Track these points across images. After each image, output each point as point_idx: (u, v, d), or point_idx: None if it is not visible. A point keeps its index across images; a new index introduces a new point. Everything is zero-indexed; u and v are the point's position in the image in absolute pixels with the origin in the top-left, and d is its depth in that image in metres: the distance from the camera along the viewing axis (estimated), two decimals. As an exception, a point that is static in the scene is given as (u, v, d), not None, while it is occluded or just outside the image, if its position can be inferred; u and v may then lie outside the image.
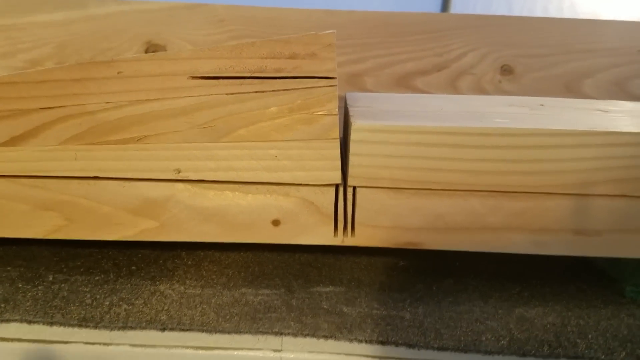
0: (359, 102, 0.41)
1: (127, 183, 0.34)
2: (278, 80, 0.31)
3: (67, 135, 0.33)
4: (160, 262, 0.40)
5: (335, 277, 0.39)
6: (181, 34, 0.65)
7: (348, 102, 0.41)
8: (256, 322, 0.32)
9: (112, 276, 0.37)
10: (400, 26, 0.65)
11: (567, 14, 1.04)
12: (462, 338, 0.32)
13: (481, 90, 0.65)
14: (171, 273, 0.38)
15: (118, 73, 0.32)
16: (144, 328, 0.32)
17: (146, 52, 0.66)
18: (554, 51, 0.67)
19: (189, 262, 0.40)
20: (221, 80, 0.31)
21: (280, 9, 0.66)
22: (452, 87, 0.65)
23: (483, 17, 0.66)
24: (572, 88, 0.67)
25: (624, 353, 0.31)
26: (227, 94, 0.32)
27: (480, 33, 0.66)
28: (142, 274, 0.38)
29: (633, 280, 0.38)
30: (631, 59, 0.67)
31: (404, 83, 0.65)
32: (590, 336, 0.32)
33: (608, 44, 0.67)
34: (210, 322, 0.32)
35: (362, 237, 0.34)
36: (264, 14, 0.65)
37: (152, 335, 0.32)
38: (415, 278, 0.39)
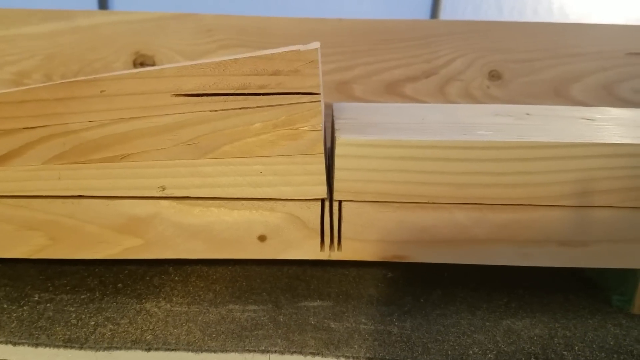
0: (345, 113, 0.41)
1: (111, 201, 0.34)
2: (262, 96, 0.31)
3: (50, 154, 0.33)
4: (147, 278, 0.40)
5: (324, 290, 0.39)
6: (169, 44, 0.65)
7: (335, 113, 0.41)
8: (243, 340, 0.32)
9: (97, 294, 0.37)
10: (389, 33, 0.65)
11: (557, 16, 1.04)
12: (449, 352, 0.32)
13: (470, 96, 0.65)
14: (158, 290, 0.38)
15: (101, 92, 0.32)
16: (129, 348, 0.32)
17: (134, 62, 0.65)
18: (542, 55, 0.67)
19: (176, 278, 0.40)
20: (205, 98, 0.31)
21: (269, 18, 0.65)
22: (441, 93, 0.65)
23: (471, 23, 0.66)
24: (560, 92, 0.67)
25: (611, 364, 0.31)
26: (211, 111, 0.32)
27: (468, 39, 0.66)
28: (128, 292, 0.38)
29: (620, 289, 0.38)
30: (619, 62, 0.68)
31: (393, 90, 0.65)
32: (577, 348, 0.33)
33: (596, 47, 0.68)
34: (196, 341, 0.32)
35: (349, 251, 0.34)
36: (253, 23, 0.65)
37: (137, 356, 0.31)
38: (403, 290, 0.39)
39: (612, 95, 0.68)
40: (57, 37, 0.66)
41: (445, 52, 0.66)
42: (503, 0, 1.04)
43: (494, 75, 0.66)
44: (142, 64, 0.65)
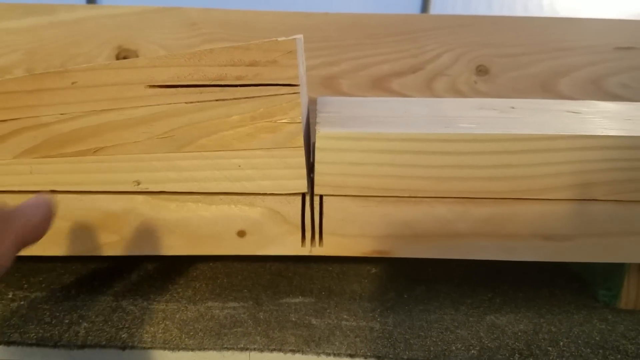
0: (328, 107, 0.40)
1: (85, 196, 0.33)
2: (239, 88, 0.30)
3: (22, 148, 0.32)
4: (124, 275, 0.39)
5: (306, 287, 0.38)
6: (153, 38, 0.64)
7: (318, 107, 0.40)
8: (221, 337, 0.32)
9: (73, 292, 0.36)
10: (376, 28, 0.65)
11: (547, 12, 1.04)
12: (431, 348, 0.31)
13: (457, 92, 0.65)
14: (135, 287, 0.37)
15: (72, 83, 0.31)
16: (104, 347, 0.31)
17: (117, 56, 0.64)
18: (529, 50, 0.66)
19: (154, 275, 0.39)
20: (180, 89, 0.30)
21: (254, 12, 0.65)
22: (428, 88, 0.65)
23: (458, 18, 0.66)
24: (548, 87, 0.66)
25: (595, 360, 0.31)
26: (186, 103, 0.31)
27: (455, 33, 0.65)
28: (105, 289, 0.37)
29: (606, 284, 0.37)
30: (607, 56, 0.67)
31: (380, 85, 0.65)
32: (562, 343, 0.32)
33: (584, 42, 0.67)
34: (173, 339, 0.31)
35: (330, 247, 0.34)
36: (238, 17, 0.64)
37: (112, 354, 0.31)
38: (386, 285, 0.39)
39: (601, 90, 0.68)
40: (39, 32, 0.65)
41: (433, 47, 0.65)
42: (493, -4, 1.04)
43: (481, 70, 0.66)
44: (125, 59, 0.64)
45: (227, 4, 0.67)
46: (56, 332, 0.32)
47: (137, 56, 0.64)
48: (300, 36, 0.35)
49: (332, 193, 0.33)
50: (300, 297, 0.37)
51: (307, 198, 0.33)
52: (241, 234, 0.34)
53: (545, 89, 0.66)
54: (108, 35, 0.64)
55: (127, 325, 0.33)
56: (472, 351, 0.31)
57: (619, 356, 0.31)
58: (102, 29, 0.64)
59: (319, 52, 0.64)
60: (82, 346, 0.31)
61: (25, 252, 0.33)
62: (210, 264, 0.40)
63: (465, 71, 0.65)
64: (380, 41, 0.64)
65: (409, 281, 0.39)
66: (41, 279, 0.38)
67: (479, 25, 0.66)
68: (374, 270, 0.41)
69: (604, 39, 0.67)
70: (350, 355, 0.31)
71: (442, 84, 0.65)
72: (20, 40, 0.65)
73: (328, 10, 0.65)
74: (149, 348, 0.31)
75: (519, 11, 1.05)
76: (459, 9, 1.00)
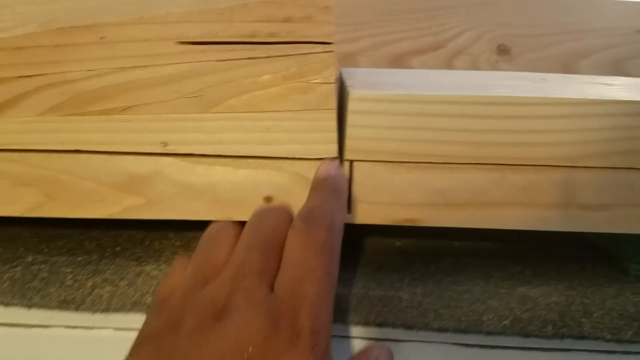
0: (355, 75, 0.39)
1: (110, 157, 0.32)
2: (272, 45, 0.30)
3: (46, 105, 0.31)
4: (147, 242, 0.38)
5: (331, 257, 0.37)
6: (171, 9, 0.63)
7: (344, 76, 0.39)
8: (248, 302, 0.31)
9: (95, 257, 0.35)
10: (396, 4, 0.63)
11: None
12: (462, 318, 0.31)
13: (477, 70, 0.64)
14: (158, 254, 0.36)
15: (101, 38, 0.30)
16: (129, 311, 0.30)
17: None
18: (550, 31, 0.65)
19: (177, 243, 0.38)
20: (211, 46, 0.30)
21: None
22: (448, 67, 0.64)
23: (479, -4, 0.65)
24: (568, 68, 0.65)
25: (630, 332, 0.30)
26: (217, 61, 0.30)
27: (476, 12, 0.64)
28: (127, 255, 0.36)
29: (636, 258, 0.36)
30: (629, 39, 0.66)
31: (399, 63, 0.64)
32: (595, 315, 0.31)
33: (605, 24, 0.66)
34: (200, 302, 0.31)
35: (359, 214, 0.33)
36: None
37: (136, 319, 0.30)
38: (413, 258, 0.38)
39: (621, 72, 0.67)
40: (54, 4, 0.64)
41: (453, 25, 0.64)
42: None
43: (502, 50, 0.65)
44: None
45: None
46: (78, 295, 0.31)
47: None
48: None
49: (363, 158, 0.32)
50: (325, 266, 0.36)
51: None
52: (268, 199, 0.33)
53: (566, 69, 0.65)
54: (125, 8, 0.63)
55: (151, 290, 0.32)
56: (504, 322, 0.30)
57: (655, 329, 0.30)
58: (119, 1, 0.63)
59: (337, 29, 0.63)
60: (106, 310, 0.30)
61: (48, 213, 0.33)
62: (233, 232, 0.40)
63: (486, 50, 0.64)
64: (400, 18, 0.63)
65: (435, 254, 0.38)
66: (61, 244, 0.37)
67: (500, 4, 0.65)
68: (398, 243, 0.40)
69: (626, 21, 0.66)
70: (379, 325, 0.31)
71: (462, 63, 0.64)
72: (34, 11, 0.64)
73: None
74: (175, 311, 0.30)
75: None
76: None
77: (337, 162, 0.31)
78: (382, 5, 0.63)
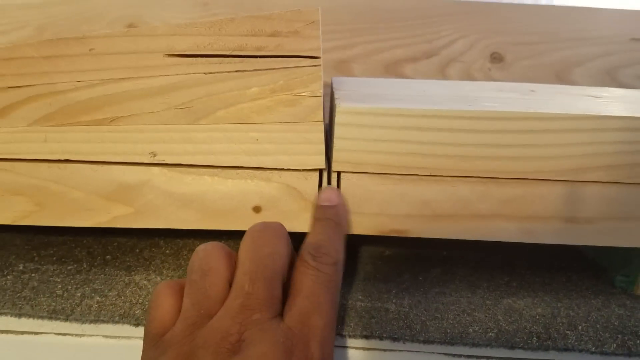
0: (345, 85, 0.39)
1: (99, 167, 0.32)
2: (259, 59, 0.30)
3: (36, 115, 0.31)
4: (137, 250, 0.38)
5: (319, 266, 0.38)
6: (164, 17, 0.63)
7: (334, 85, 0.39)
8: (235, 312, 0.31)
9: (85, 266, 0.36)
10: (389, 12, 0.64)
11: (558, 2, 1.02)
12: (448, 330, 0.31)
13: (470, 78, 0.64)
14: (148, 263, 0.37)
15: (90, 50, 0.30)
16: (117, 322, 0.30)
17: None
18: (544, 39, 0.66)
19: (167, 251, 0.38)
20: (199, 59, 0.30)
21: (266, -7, 0.64)
22: (442, 74, 0.64)
23: (473, 4, 0.65)
24: (562, 76, 0.66)
25: (614, 345, 0.30)
26: (205, 73, 0.30)
27: (470, 20, 0.64)
28: (117, 264, 0.36)
29: (623, 270, 0.37)
30: (622, 47, 0.66)
31: (393, 70, 0.64)
32: (580, 327, 0.31)
33: (599, 32, 0.66)
34: (187, 312, 0.31)
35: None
36: (250, -3, 0.64)
37: (125, 330, 0.30)
38: (401, 267, 0.38)
39: (615, 80, 0.67)
40: (49, 8, 0.64)
41: (447, 33, 0.64)
42: (504, -13, 1.02)
43: (496, 58, 0.65)
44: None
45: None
46: (68, 305, 0.31)
47: (148, 34, 0.63)
48: (319, 7, 0.34)
49: (350, 170, 0.32)
50: (314, 276, 0.36)
51: (325, 175, 0.33)
52: (257, 209, 0.33)
53: (559, 78, 0.65)
54: (118, 13, 0.64)
55: (140, 301, 0.32)
56: (490, 334, 0.31)
57: (638, 341, 0.30)
58: (113, 6, 0.64)
59: (332, 36, 0.64)
60: (95, 320, 0.31)
61: (37, 222, 0.33)
62: (223, 240, 0.40)
63: (479, 58, 0.64)
64: (394, 25, 0.64)
65: (423, 264, 0.39)
66: (52, 252, 0.37)
67: (494, 12, 0.65)
68: (387, 253, 0.41)
69: (620, 29, 0.67)
70: (366, 337, 0.31)
71: (455, 71, 0.64)
72: (30, 15, 0.65)
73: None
74: (162, 322, 0.30)
75: (530, 0, 1.04)
76: (471, -1, 0.99)
77: (338, 190, 0.32)
78: (377, 13, 0.64)
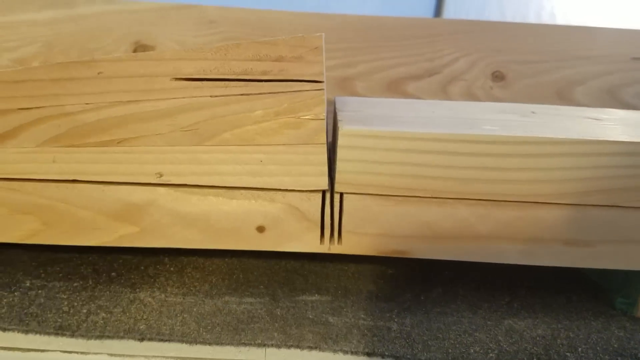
0: (348, 106, 0.40)
1: (106, 187, 0.33)
2: (264, 83, 0.30)
3: (45, 136, 0.32)
4: (142, 268, 0.39)
5: (322, 285, 0.38)
6: (170, 34, 0.64)
7: (337, 106, 0.40)
8: (239, 332, 0.31)
9: (91, 282, 0.36)
10: (393, 30, 0.65)
11: (559, 21, 1.04)
12: (450, 350, 0.31)
13: (472, 97, 0.65)
14: (152, 280, 0.37)
15: (98, 73, 0.31)
16: (122, 337, 0.31)
17: (134, 52, 0.65)
18: (546, 58, 0.66)
19: (171, 269, 0.39)
20: (205, 82, 0.31)
21: (272, 11, 0.65)
22: (444, 92, 0.65)
23: (475, 23, 0.66)
24: (563, 95, 0.66)
25: (614, 367, 0.31)
26: (211, 97, 0.31)
27: (472, 39, 0.65)
28: (122, 281, 0.37)
29: (623, 291, 0.37)
30: (623, 66, 0.67)
31: (395, 88, 0.65)
32: (580, 349, 0.32)
33: (600, 51, 0.67)
34: (191, 332, 0.31)
35: (349, 245, 0.34)
36: (256, 15, 0.65)
37: (130, 346, 0.30)
38: (403, 287, 0.38)
39: (616, 99, 0.67)
40: (58, 25, 0.65)
41: (449, 52, 0.65)
42: (506, 5, 1.03)
43: (497, 76, 0.66)
44: (142, 54, 0.65)
45: (245, 3, 0.67)
46: (74, 322, 0.32)
47: (154, 52, 0.64)
48: (322, 34, 0.35)
49: (352, 191, 0.32)
50: (316, 295, 0.37)
51: (327, 195, 0.33)
52: (260, 229, 0.34)
53: (561, 96, 0.66)
54: (126, 30, 0.65)
55: (145, 317, 0.32)
56: (491, 355, 0.31)
57: (638, 364, 0.31)
58: (120, 24, 0.65)
59: (335, 54, 0.64)
60: (101, 336, 0.31)
61: (44, 240, 0.33)
62: (226, 259, 0.40)
63: (481, 76, 0.65)
64: (396, 44, 0.65)
65: (425, 283, 0.39)
66: (58, 268, 0.38)
67: (496, 31, 0.66)
68: (390, 272, 0.41)
69: (621, 48, 0.67)
70: (368, 354, 0.31)
71: (457, 89, 0.65)
72: (38, 32, 0.66)
73: (341, 11, 0.65)
74: (166, 340, 0.31)
75: (531, 20, 1.05)
76: (473, 14, 1.00)
77: None
78: (380, 31, 0.64)
